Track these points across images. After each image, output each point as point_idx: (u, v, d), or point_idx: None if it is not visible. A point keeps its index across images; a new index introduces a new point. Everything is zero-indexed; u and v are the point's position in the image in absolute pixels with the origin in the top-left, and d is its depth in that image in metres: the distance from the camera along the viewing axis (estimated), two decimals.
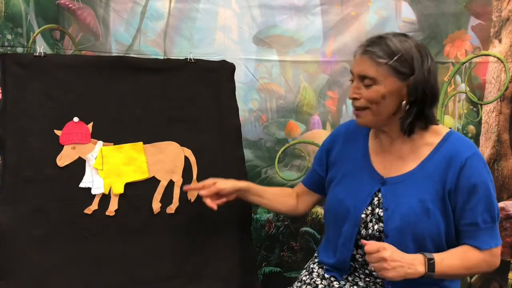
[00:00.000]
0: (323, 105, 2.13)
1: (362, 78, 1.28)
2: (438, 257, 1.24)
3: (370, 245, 1.22)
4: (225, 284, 1.61)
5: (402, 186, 1.32)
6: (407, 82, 1.26)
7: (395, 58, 1.24)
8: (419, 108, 1.28)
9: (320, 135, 2.13)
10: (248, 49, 2.06)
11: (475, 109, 2.18)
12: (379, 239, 1.33)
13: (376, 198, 1.35)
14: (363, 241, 1.25)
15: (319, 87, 2.12)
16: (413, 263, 1.22)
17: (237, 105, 1.74)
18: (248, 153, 2.05)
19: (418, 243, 1.28)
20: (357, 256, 1.40)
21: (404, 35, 1.32)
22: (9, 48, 1.86)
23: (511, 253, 2.25)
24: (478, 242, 1.29)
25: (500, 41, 2.13)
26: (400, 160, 1.35)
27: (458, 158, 1.27)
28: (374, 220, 1.34)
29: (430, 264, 1.22)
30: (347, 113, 2.13)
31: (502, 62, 2.13)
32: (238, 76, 1.87)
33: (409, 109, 1.28)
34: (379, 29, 2.07)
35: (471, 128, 2.19)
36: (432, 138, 1.34)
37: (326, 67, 2.10)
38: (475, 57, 2.14)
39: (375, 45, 1.27)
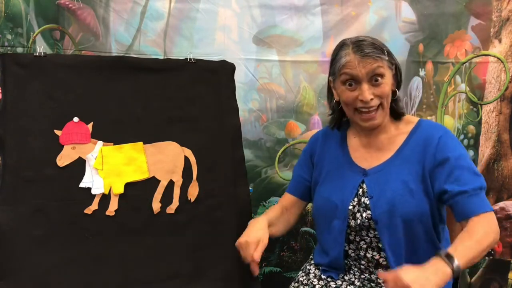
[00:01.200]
0: (323, 105, 2.13)
1: (371, 78, 1.33)
2: (450, 248, 1.19)
3: (384, 275, 1.17)
4: (225, 284, 1.61)
5: (383, 173, 1.38)
6: (394, 71, 1.39)
7: (385, 52, 1.35)
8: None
9: None
10: (248, 49, 2.06)
11: (475, 109, 2.19)
12: (368, 227, 1.36)
13: (360, 189, 1.40)
14: (379, 274, 1.25)
15: (319, 87, 2.12)
16: (435, 268, 1.15)
17: (237, 105, 1.74)
18: (248, 153, 2.06)
19: (406, 224, 1.32)
20: (350, 251, 1.43)
21: (366, 35, 1.43)
22: (9, 48, 1.86)
23: (511, 253, 2.25)
24: (472, 209, 1.26)
25: (500, 41, 2.13)
26: (379, 151, 1.42)
27: (432, 139, 1.34)
28: (361, 209, 1.37)
29: (449, 258, 1.16)
30: None
31: (502, 62, 2.13)
32: (238, 76, 1.87)
33: (395, 94, 1.41)
34: (379, 29, 2.07)
35: (471, 128, 2.19)
36: (405, 127, 1.42)
37: (326, 67, 2.09)
38: (475, 57, 2.14)
39: (368, 47, 1.34)
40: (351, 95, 1.35)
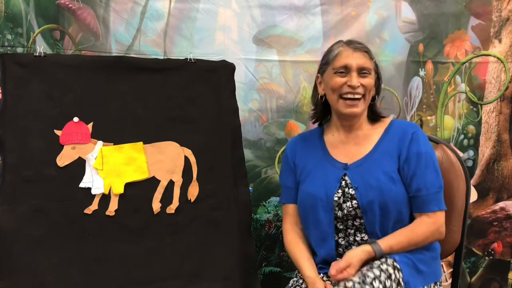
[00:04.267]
0: None
1: (361, 69, 1.48)
2: (381, 241, 1.40)
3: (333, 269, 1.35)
4: (225, 284, 1.61)
5: (365, 166, 1.48)
6: (376, 76, 1.53)
7: (372, 56, 1.51)
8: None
9: None
10: (248, 49, 2.06)
11: (475, 109, 2.19)
12: (355, 216, 1.45)
13: (343, 182, 1.48)
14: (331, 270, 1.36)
15: None
16: (359, 249, 1.38)
17: (237, 105, 1.75)
18: (248, 153, 2.06)
19: (392, 209, 1.43)
20: (340, 240, 1.48)
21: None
22: (9, 48, 1.86)
23: (511, 253, 2.25)
24: (426, 207, 1.44)
25: (500, 41, 2.13)
26: (357, 146, 1.53)
27: (406, 133, 1.49)
28: (346, 199, 1.46)
29: (374, 243, 1.38)
30: None
31: (502, 62, 2.13)
32: (238, 76, 1.87)
33: (374, 98, 1.55)
34: (379, 29, 2.07)
35: (471, 128, 2.19)
36: (380, 126, 1.56)
37: None
38: (475, 57, 2.14)
39: (360, 44, 1.51)
40: (340, 81, 1.48)
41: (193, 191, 1.63)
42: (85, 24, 1.94)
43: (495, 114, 2.19)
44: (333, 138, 1.57)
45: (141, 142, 1.61)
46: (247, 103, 2.08)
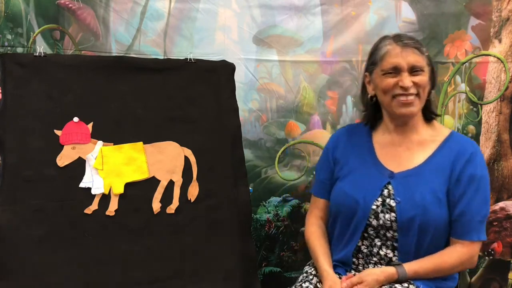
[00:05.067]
0: (323, 105, 2.13)
1: (412, 68, 1.37)
2: (407, 265, 1.34)
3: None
4: (225, 284, 1.61)
5: (413, 179, 1.38)
6: (431, 71, 1.42)
7: (425, 50, 1.40)
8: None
9: (320, 135, 2.13)
10: (248, 49, 2.06)
11: (475, 109, 2.18)
12: (390, 228, 1.37)
13: (386, 190, 1.40)
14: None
15: (319, 87, 2.11)
16: (378, 270, 1.35)
17: (237, 105, 1.74)
18: (248, 153, 2.05)
19: (429, 230, 1.35)
20: (363, 247, 1.43)
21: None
22: (9, 48, 1.86)
23: (511, 253, 2.25)
24: (465, 234, 1.35)
25: (500, 41, 2.13)
26: (408, 151, 1.43)
27: (464, 153, 1.38)
28: (385, 210, 1.38)
29: (400, 265, 1.33)
30: (347, 113, 2.13)
31: (502, 62, 2.13)
32: (238, 76, 1.87)
33: (430, 95, 1.44)
34: (379, 29, 2.07)
35: (471, 128, 2.19)
36: (437, 136, 1.45)
37: (326, 67, 2.10)
38: (475, 57, 2.14)
39: (409, 39, 1.39)
40: (391, 81, 1.38)
41: (193, 191, 1.63)
42: (85, 24, 1.94)
43: (495, 114, 2.18)
44: (383, 137, 1.48)
45: (141, 142, 1.61)
46: (247, 103, 2.08)
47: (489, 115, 2.19)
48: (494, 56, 2.13)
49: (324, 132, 2.13)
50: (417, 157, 1.42)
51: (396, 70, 1.37)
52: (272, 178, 2.15)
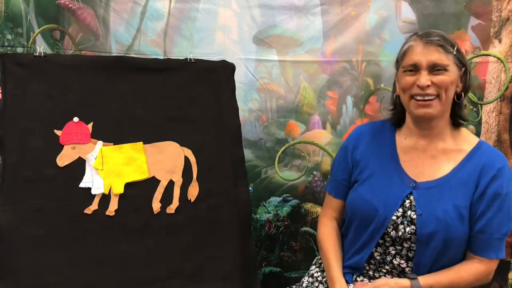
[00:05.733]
0: (323, 105, 2.13)
1: (433, 67, 1.30)
2: (422, 278, 1.30)
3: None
4: (225, 284, 1.61)
5: (436, 191, 1.32)
6: (461, 73, 1.33)
7: (456, 48, 1.31)
8: (463, 98, 1.36)
9: (320, 135, 2.13)
10: (248, 49, 2.06)
11: (475, 109, 2.18)
12: (408, 240, 1.33)
13: (407, 201, 1.34)
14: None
15: (319, 87, 2.11)
16: (393, 281, 1.31)
17: (237, 105, 1.74)
18: (248, 153, 2.05)
19: (449, 245, 1.31)
20: (376, 254, 1.39)
21: None
22: (9, 48, 1.86)
23: (511, 253, 2.25)
24: (483, 251, 1.31)
25: (500, 41, 2.13)
26: (433, 160, 1.36)
27: (491, 168, 1.31)
28: (405, 222, 1.33)
29: (415, 279, 1.29)
30: (347, 113, 2.13)
31: (502, 62, 2.13)
32: (238, 76, 1.87)
33: (461, 99, 1.35)
34: (379, 29, 2.07)
35: (471, 128, 2.19)
36: (464, 145, 1.37)
37: (326, 67, 2.10)
38: (475, 57, 2.14)
39: (436, 36, 1.31)
40: (409, 80, 1.32)
41: (193, 191, 1.63)
42: (85, 24, 1.94)
43: (495, 114, 2.18)
44: (406, 141, 1.41)
45: (141, 142, 1.61)
46: (247, 103, 2.08)
47: (489, 115, 2.19)
48: (494, 56, 2.13)
49: (324, 132, 2.13)
50: (442, 167, 1.35)
51: (415, 68, 1.31)
52: (272, 178, 2.15)
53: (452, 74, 1.30)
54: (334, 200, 1.53)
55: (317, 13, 2.07)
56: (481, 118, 2.18)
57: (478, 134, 2.19)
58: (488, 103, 2.18)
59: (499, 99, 2.17)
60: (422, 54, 1.30)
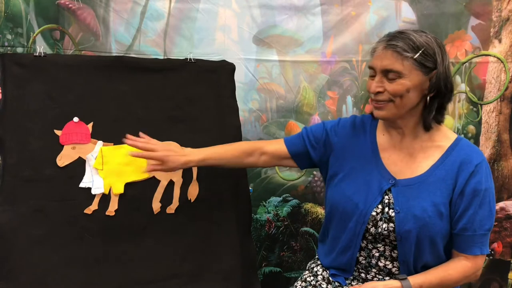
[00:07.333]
0: (323, 105, 2.13)
1: (386, 72, 1.28)
2: (412, 278, 1.30)
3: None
4: (225, 284, 1.61)
5: (414, 189, 1.33)
6: (430, 76, 1.28)
7: (420, 52, 1.26)
8: (439, 103, 1.32)
9: None
10: (248, 49, 2.06)
11: (475, 109, 2.18)
12: (387, 237, 1.34)
13: (386, 197, 1.35)
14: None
15: (319, 87, 2.12)
16: (381, 284, 1.30)
17: (237, 105, 1.74)
18: None
19: (429, 243, 1.32)
20: (360, 258, 1.40)
21: (423, 31, 1.32)
22: (9, 48, 1.85)
23: (511, 253, 2.25)
24: (468, 248, 1.32)
25: (500, 41, 2.13)
26: (410, 157, 1.36)
27: (469, 164, 1.31)
28: (384, 219, 1.34)
29: (405, 279, 1.29)
30: (347, 113, 2.13)
31: (502, 62, 2.13)
32: (238, 76, 1.86)
33: (431, 103, 1.31)
34: (379, 29, 2.07)
35: (471, 128, 2.19)
36: (442, 141, 1.36)
37: (326, 67, 2.10)
38: (475, 57, 2.14)
39: (398, 40, 1.27)
40: (368, 83, 1.33)
41: (193, 191, 1.63)
42: (85, 24, 1.94)
43: (495, 114, 2.18)
44: (383, 138, 1.41)
45: None
46: (247, 103, 2.08)
47: (489, 115, 2.19)
48: (494, 56, 2.13)
49: None
50: (420, 164, 1.35)
51: (374, 71, 1.31)
52: (272, 178, 2.15)
53: (410, 80, 1.26)
54: (280, 143, 1.52)
55: (317, 13, 2.07)
56: (481, 118, 2.18)
57: (478, 134, 2.19)
58: (488, 103, 2.18)
59: (499, 99, 2.17)
60: (379, 59, 1.29)
